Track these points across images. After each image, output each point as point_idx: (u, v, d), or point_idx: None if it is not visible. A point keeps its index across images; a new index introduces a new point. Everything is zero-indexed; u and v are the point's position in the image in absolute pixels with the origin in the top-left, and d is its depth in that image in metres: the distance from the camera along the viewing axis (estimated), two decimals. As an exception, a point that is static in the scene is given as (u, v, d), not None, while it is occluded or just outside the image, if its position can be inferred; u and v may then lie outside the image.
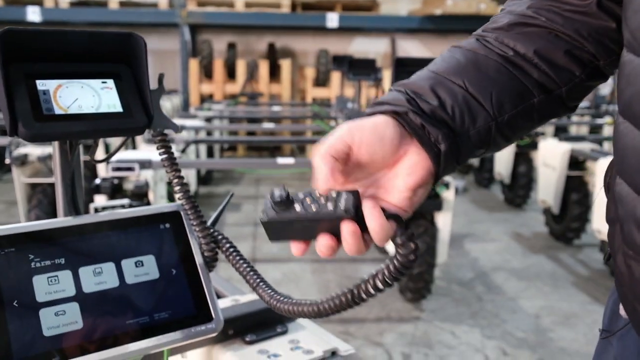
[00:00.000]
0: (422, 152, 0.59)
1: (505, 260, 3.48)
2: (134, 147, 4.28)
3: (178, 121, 4.27)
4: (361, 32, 7.51)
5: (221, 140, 4.82)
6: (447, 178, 2.62)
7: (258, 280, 0.80)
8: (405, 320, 2.65)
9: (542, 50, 0.65)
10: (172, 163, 0.82)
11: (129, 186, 2.53)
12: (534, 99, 0.65)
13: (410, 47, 7.78)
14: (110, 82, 0.80)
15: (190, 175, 4.11)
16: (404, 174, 0.59)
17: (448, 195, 2.64)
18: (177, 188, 0.82)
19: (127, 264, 0.76)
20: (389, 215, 0.56)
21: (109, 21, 6.67)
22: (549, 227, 3.89)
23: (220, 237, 0.84)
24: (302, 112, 5.84)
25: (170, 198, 3.06)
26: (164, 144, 0.81)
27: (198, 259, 0.79)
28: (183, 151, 3.19)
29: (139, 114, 0.79)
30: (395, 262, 0.56)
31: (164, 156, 0.81)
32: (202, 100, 6.67)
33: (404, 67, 2.44)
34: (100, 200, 2.41)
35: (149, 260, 0.76)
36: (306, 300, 0.66)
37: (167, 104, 5.96)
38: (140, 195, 2.49)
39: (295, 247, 0.61)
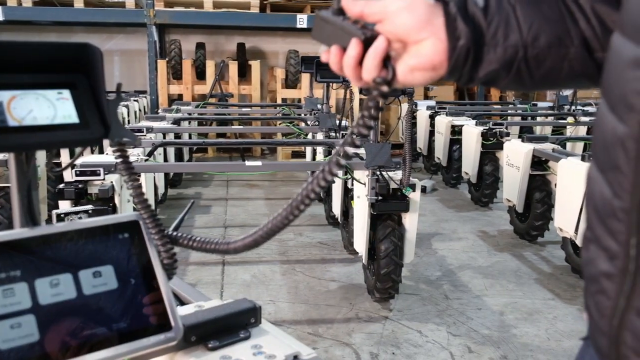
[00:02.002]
0: (441, 41, 0.65)
1: (471, 258, 3.54)
2: (101, 150, 4.22)
3: (145, 123, 4.22)
4: (331, 32, 7.53)
5: (190, 142, 4.79)
6: (413, 179, 2.66)
7: (220, 240, 0.82)
8: (373, 320, 2.69)
9: (598, 8, 0.66)
10: (130, 173, 0.82)
11: (94, 190, 2.50)
12: (571, 48, 0.67)
13: (380, 48, 7.83)
14: (66, 93, 0.79)
15: (159, 178, 4.07)
16: (411, 55, 0.66)
17: (414, 196, 2.67)
18: (135, 198, 0.83)
19: (85, 274, 0.76)
20: (387, 60, 0.65)
21: (74, 21, 6.55)
22: (513, 225, 3.97)
23: (178, 234, 0.85)
24: (272, 113, 5.84)
25: (137, 201, 3.03)
26: (122, 154, 0.82)
27: (157, 268, 0.79)
28: (150, 154, 3.16)
29: (96, 125, 0.79)
30: (367, 102, 0.66)
31: (122, 166, 0.82)
32: (170, 101, 6.61)
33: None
34: (64, 205, 2.38)
35: (107, 271, 0.76)
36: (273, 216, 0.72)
37: (135, 106, 5.90)
38: (105, 199, 2.46)
39: (324, 55, 0.71)
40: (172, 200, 4.74)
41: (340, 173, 0.69)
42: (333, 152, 0.68)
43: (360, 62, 0.66)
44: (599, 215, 0.58)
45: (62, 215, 1.70)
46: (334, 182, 3.38)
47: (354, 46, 0.65)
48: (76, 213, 1.60)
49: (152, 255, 0.79)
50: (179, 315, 0.80)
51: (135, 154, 3.17)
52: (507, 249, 3.73)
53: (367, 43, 0.66)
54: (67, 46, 0.79)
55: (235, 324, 0.99)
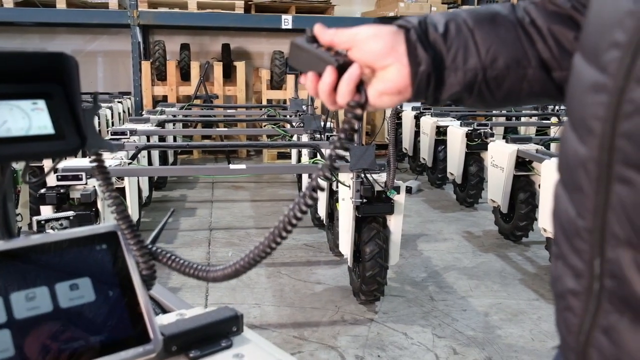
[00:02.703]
0: (405, 67, 0.68)
1: (456, 259, 3.56)
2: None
3: (129, 126, 4.19)
4: (316, 33, 7.53)
5: (174, 145, 4.75)
6: (398, 182, 2.66)
7: (201, 266, 0.83)
8: (359, 323, 2.69)
9: (555, 29, 0.69)
10: (108, 184, 0.81)
11: (76, 195, 2.47)
12: (529, 69, 0.69)
13: (365, 49, 7.85)
14: (41, 103, 0.78)
15: (143, 181, 4.04)
16: (379, 80, 0.69)
17: (399, 198, 2.68)
18: (113, 208, 0.81)
19: (62, 287, 0.75)
20: (360, 85, 0.68)
21: (57, 22, 6.49)
22: (498, 225, 4.00)
23: (158, 250, 0.84)
24: (257, 115, 5.82)
25: (121, 205, 3.00)
26: (100, 165, 0.81)
27: (135, 279, 0.78)
28: (133, 158, 3.13)
29: (72, 136, 0.78)
30: (343, 124, 0.68)
31: (100, 176, 0.80)
32: (155, 102, 6.57)
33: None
34: (46, 211, 2.35)
35: (85, 283, 0.75)
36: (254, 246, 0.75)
37: (119, 107, 5.85)
38: (88, 204, 2.44)
39: (302, 78, 0.73)
40: (157, 202, 4.71)
41: (318, 196, 0.70)
42: (310, 179, 0.70)
43: (335, 87, 0.68)
44: (565, 233, 0.59)
45: (42, 222, 1.67)
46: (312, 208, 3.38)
47: (329, 73, 0.68)
48: (57, 219, 1.58)
49: (131, 266, 0.78)
50: (158, 327, 0.79)
51: (118, 157, 3.15)
52: (492, 249, 3.75)
53: (340, 69, 0.69)
54: (41, 56, 0.78)
55: (217, 332, 0.98)
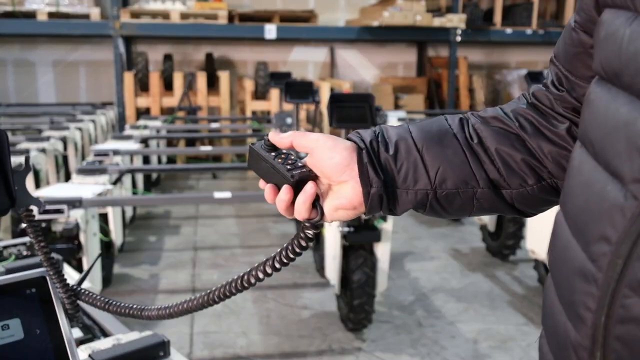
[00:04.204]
0: (359, 185, 0.69)
1: (444, 280, 3.55)
2: (67, 177, 4.11)
3: (111, 145, 4.12)
4: (300, 41, 7.51)
5: (157, 169, 4.70)
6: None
7: (139, 307, 0.86)
8: (347, 352, 2.66)
9: (502, 150, 0.70)
10: (37, 236, 0.86)
11: (58, 228, 2.41)
12: (477, 189, 0.70)
13: (349, 57, 7.84)
14: None
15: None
16: (335, 196, 0.71)
17: (386, 227, 2.66)
18: (43, 257, 0.87)
19: (-7, 328, 0.81)
20: (316, 201, 0.70)
21: (39, 33, 6.39)
22: (485, 243, 4.00)
23: (83, 291, 0.91)
24: (242, 129, 5.78)
25: (104, 233, 2.94)
26: (29, 220, 0.85)
27: (61, 317, 0.85)
28: (116, 182, 3.08)
29: (1, 197, 0.80)
30: (293, 240, 0.72)
31: (30, 229, 0.86)
32: (138, 113, 6.49)
33: (339, 102, 2.45)
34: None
35: (15, 323, 0.82)
36: (197, 295, 0.80)
37: (102, 120, 5.78)
38: (70, 237, 2.38)
39: (262, 183, 0.74)
40: (141, 220, 4.64)
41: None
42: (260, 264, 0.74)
43: (292, 201, 0.70)
44: None
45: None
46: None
47: (285, 192, 0.70)
48: (15, 245, 1.62)
49: (57, 306, 0.85)
50: (78, 356, 0.86)
51: (101, 182, 3.09)
52: (479, 268, 3.75)
53: (297, 185, 0.70)
54: None
55: (145, 357, 1.08)
